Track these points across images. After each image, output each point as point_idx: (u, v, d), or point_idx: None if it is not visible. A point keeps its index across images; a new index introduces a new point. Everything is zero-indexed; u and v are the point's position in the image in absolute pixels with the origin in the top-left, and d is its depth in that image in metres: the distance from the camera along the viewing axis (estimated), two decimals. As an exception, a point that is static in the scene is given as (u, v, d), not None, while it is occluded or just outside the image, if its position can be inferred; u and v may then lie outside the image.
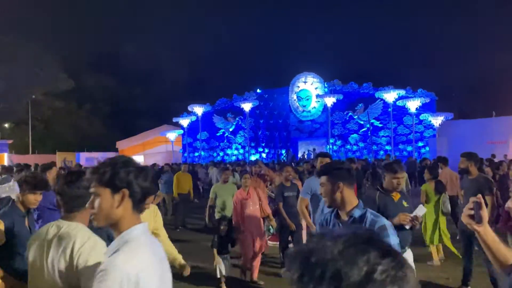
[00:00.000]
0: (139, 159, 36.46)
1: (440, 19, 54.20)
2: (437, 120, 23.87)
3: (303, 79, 29.59)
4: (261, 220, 5.81)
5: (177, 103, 38.24)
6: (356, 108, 27.13)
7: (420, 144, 25.01)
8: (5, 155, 30.41)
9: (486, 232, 1.51)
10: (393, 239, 2.20)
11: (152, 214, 3.62)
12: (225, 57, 60.27)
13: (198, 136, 32.02)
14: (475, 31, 47.19)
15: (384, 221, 2.28)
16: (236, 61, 59.29)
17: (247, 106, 28.66)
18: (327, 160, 4.32)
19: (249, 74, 54.39)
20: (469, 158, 4.90)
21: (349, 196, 2.37)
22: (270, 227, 6.09)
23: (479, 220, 1.50)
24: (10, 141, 32.72)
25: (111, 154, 38.00)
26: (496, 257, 1.51)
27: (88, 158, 34.63)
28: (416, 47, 55.22)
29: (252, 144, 30.09)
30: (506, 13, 41.43)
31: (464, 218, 1.55)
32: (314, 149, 26.48)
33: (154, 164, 18.15)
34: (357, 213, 2.32)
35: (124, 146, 38.93)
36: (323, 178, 2.42)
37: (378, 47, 55.94)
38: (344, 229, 0.76)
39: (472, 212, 1.52)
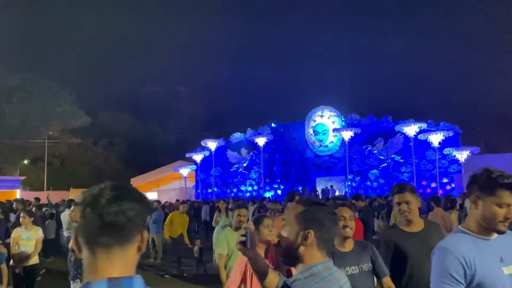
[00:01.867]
0: (152, 195, 36.27)
1: (460, 49, 53.56)
2: (462, 155, 22.81)
3: (319, 112, 29.13)
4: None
5: (191, 138, 38.19)
6: (375, 143, 26.32)
7: (445, 180, 23.80)
8: (18, 191, 30.55)
9: (256, 256, 1.70)
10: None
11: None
12: (239, 92, 60.77)
13: (211, 172, 31.61)
14: (498, 61, 46.25)
15: None
16: (251, 95, 59.65)
17: (261, 141, 28.24)
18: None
19: (263, 108, 54.43)
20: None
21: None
22: None
23: (250, 246, 1.67)
24: (23, 177, 32.98)
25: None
26: (264, 281, 1.67)
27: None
28: (437, 79, 54.51)
29: (267, 180, 29.39)
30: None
31: (236, 245, 1.70)
32: (332, 186, 25.55)
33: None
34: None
35: (139, 182, 38.81)
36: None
37: (397, 79, 55.42)
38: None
39: (244, 238, 1.67)
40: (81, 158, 43.75)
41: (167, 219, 9.25)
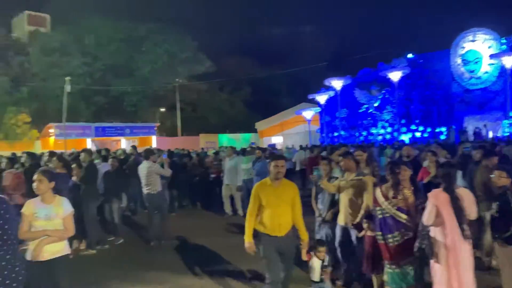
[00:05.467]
0: (277, 140, 36.03)
1: None
2: None
3: (470, 37, 24.17)
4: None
5: (314, 78, 36.14)
6: (549, 69, 20.79)
7: None
8: (153, 137, 33.15)
9: None
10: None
11: None
12: (367, 20, 55.00)
13: (337, 114, 29.48)
14: None
15: None
16: (381, 23, 53.49)
17: (395, 76, 24.92)
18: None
19: (397, 37, 48.34)
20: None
21: None
22: None
23: None
24: (157, 124, 35.57)
25: (251, 136, 38.68)
26: None
27: (229, 139, 35.65)
28: None
29: (403, 121, 26.14)
30: None
31: None
32: (485, 125, 21.42)
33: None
34: None
35: (263, 127, 38.99)
36: None
37: None
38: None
39: None
40: (209, 104, 45.54)
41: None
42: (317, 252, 4.93)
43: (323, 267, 4.89)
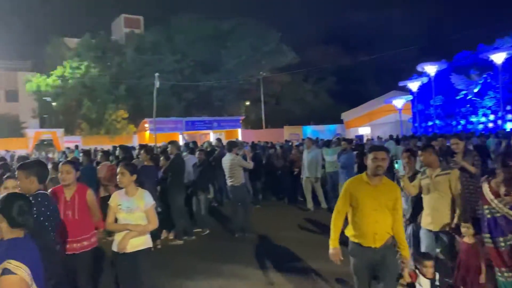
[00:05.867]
0: (365, 131, 34.63)
1: None
2: None
3: None
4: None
5: (405, 64, 33.94)
6: None
7: None
8: (239, 130, 33.85)
9: None
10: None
11: None
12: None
13: (432, 102, 27.38)
14: None
15: None
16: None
17: (499, 58, 22.47)
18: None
19: (499, 15, 43.25)
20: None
21: None
22: None
23: None
24: (242, 117, 36.26)
25: (337, 127, 37.73)
26: None
27: (314, 131, 35.17)
28: None
29: (508, 108, 23.45)
30: None
31: None
32: None
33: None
34: None
35: (349, 117, 37.78)
36: None
37: None
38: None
39: None
40: (293, 95, 45.27)
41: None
42: (423, 268, 3.93)
43: None
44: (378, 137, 22.05)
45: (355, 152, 9.49)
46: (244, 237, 7.75)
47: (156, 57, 36.04)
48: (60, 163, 4.32)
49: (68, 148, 20.82)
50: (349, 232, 3.63)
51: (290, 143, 17.63)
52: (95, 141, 29.71)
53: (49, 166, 7.77)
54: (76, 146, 20.61)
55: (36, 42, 40.03)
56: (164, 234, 7.83)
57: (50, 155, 19.61)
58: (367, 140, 21.99)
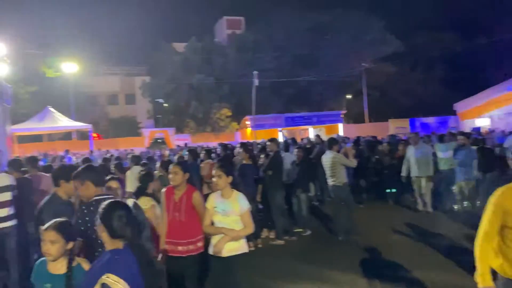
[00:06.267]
0: (483, 122, 31.14)
1: None
2: None
3: None
4: None
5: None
6: None
7: None
8: (340, 125, 32.93)
9: None
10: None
11: None
12: None
13: None
14: None
15: None
16: None
17: None
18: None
19: None
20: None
21: None
22: None
23: None
24: (343, 111, 35.17)
25: (448, 119, 34.54)
26: None
27: (423, 124, 32.79)
28: None
29: None
30: None
31: None
32: None
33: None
34: None
35: (464, 108, 34.27)
36: None
37: None
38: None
39: None
40: (399, 86, 42.65)
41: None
42: None
43: None
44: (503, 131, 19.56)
45: (474, 148, 8.42)
46: (348, 240, 7.32)
47: (256, 56, 36.80)
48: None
49: (178, 146, 22.25)
50: (499, 262, 2.77)
51: (397, 138, 16.46)
52: (202, 139, 31.47)
53: (157, 164, 8.24)
54: (185, 144, 21.93)
55: (148, 48, 43.71)
56: (265, 233, 7.77)
57: (160, 152, 21.17)
58: (486, 133, 19.65)
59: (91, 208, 3.08)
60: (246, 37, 40.78)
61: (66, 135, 30.77)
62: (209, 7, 73.49)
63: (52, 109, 23.37)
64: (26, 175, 6.04)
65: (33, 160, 6.50)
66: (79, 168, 3.36)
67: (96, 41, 38.34)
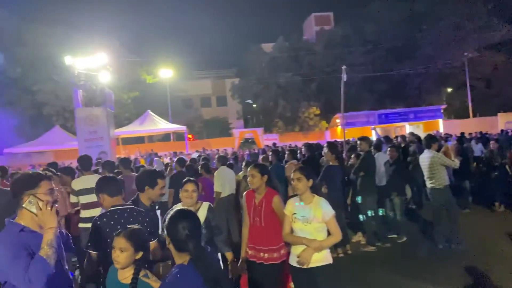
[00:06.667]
0: None
1: None
2: None
3: None
4: None
5: None
6: None
7: None
8: (440, 120, 30.49)
9: None
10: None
11: None
12: None
13: None
14: None
15: None
16: None
17: None
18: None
19: None
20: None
21: None
22: None
23: None
24: (443, 106, 32.51)
25: None
26: None
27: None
28: None
29: None
30: None
31: None
32: None
33: None
34: None
35: None
36: None
37: None
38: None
39: None
40: (508, 77, 38.14)
41: None
42: None
43: None
44: None
45: None
46: (450, 249, 6.54)
47: (346, 50, 35.64)
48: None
49: (267, 145, 22.36)
50: None
51: (508, 134, 14.62)
52: (291, 138, 31.34)
53: (243, 164, 8.22)
54: (274, 144, 21.94)
55: (238, 51, 44.93)
56: (356, 238, 7.31)
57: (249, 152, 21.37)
58: None
59: (104, 220, 3.03)
60: (334, 33, 39.74)
61: (165, 137, 32.83)
62: (297, 5, 73.35)
63: (151, 113, 25.13)
64: (119, 176, 6.36)
65: (125, 162, 6.84)
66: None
67: (189, 47, 40.46)
